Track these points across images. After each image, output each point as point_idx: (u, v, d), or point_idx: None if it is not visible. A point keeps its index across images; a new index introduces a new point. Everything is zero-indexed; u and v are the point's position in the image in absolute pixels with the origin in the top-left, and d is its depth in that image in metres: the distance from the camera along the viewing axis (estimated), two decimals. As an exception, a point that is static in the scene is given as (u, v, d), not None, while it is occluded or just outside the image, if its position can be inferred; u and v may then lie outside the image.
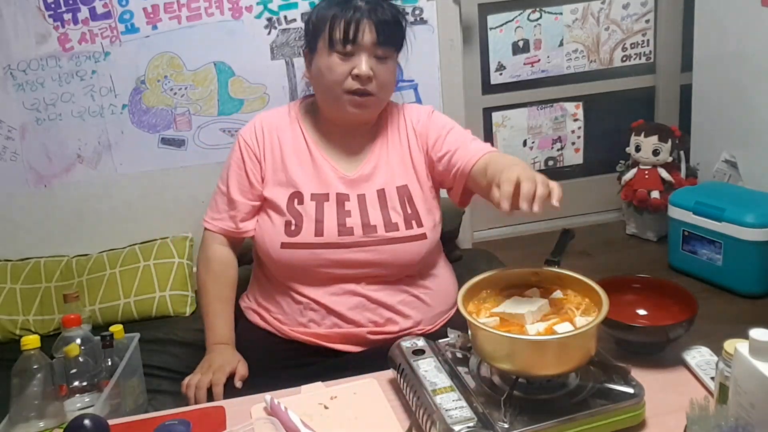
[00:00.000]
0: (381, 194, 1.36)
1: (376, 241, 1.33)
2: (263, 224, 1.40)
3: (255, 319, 1.44)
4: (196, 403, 1.25)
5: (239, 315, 1.48)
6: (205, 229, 1.48)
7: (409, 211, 1.36)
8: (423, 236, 1.36)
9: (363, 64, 1.28)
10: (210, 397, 1.26)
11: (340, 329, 1.33)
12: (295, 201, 1.36)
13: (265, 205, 1.41)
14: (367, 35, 1.28)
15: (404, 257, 1.35)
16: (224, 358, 1.33)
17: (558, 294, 1.07)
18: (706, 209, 2.49)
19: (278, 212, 1.37)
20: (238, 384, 1.28)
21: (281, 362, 1.35)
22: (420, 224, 1.36)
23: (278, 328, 1.39)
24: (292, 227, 1.33)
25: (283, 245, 1.33)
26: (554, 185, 1.06)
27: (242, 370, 1.31)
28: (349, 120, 1.37)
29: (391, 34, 1.31)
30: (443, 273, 1.46)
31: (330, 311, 1.33)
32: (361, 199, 1.35)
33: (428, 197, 1.40)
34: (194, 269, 1.49)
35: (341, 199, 1.35)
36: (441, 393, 0.97)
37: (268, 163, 1.40)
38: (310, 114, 1.45)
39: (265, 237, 1.38)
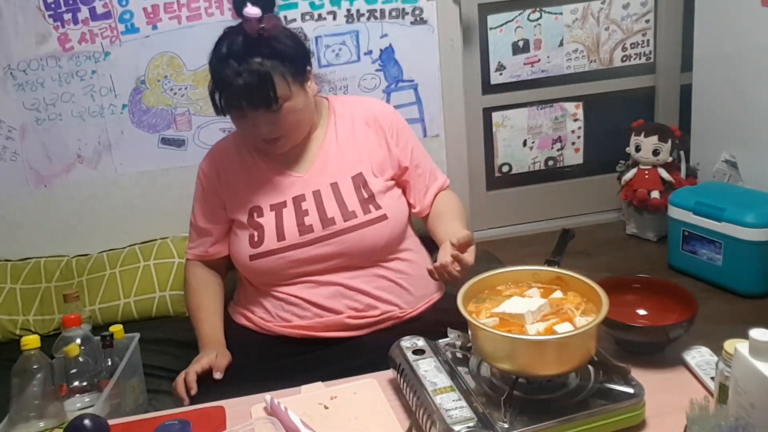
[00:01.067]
0: (335, 187, 1.40)
1: (337, 232, 1.36)
2: (232, 242, 1.47)
3: (242, 321, 1.48)
4: (181, 399, 1.30)
5: (228, 320, 1.52)
6: (186, 260, 1.56)
7: (365, 195, 1.40)
8: (383, 217, 1.39)
9: (261, 127, 1.33)
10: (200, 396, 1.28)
11: (321, 319, 1.37)
12: (255, 215, 1.41)
13: (232, 225, 1.48)
14: (246, 105, 1.30)
15: (368, 242, 1.38)
16: (204, 353, 1.38)
17: (558, 294, 1.07)
18: (706, 209, 2.49)
19: (242, 228, 1.43)
20: (217, 375, 1.31)
21: (275, 358, 1.37)
22: (378, 207, 1.39)
23: (264, 326, 1.42)
24: (255, 239, 1.39)
25: (252, 257, 1.39)
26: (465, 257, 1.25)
27: (220, 362, 1.34)
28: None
29: (261, 98, 1.30)
30: (418, 258, 1.48)
31: (309, 303, 1.37)
32: (317, 195, 1.40)
33: (383, 179, 1.44)
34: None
35: (298, 200, 1.40)
36: (441, 393, 0.97)
37: (225, 189, 1.46)
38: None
39: (235, 253, 1.45)
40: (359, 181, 1.41)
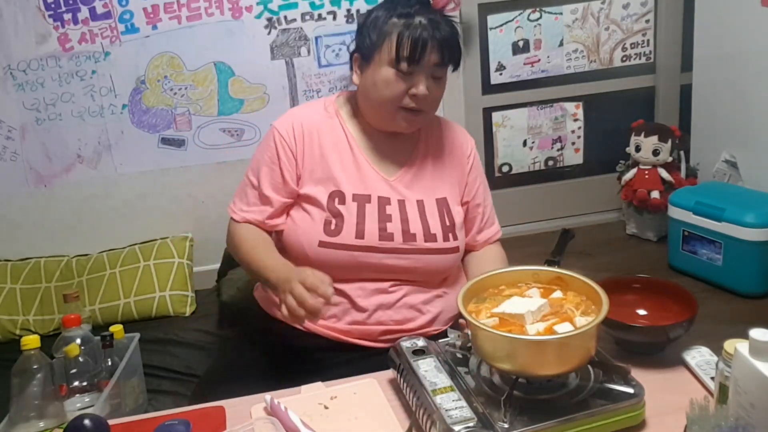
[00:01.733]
0: (420, 204, 1.36)
1: (415, 250, 1.32)
2: (299, 221, 1.35)
3: (271, 309, 1.40)
4: (312, 317, 1.14)
5: (253, 303, 1.46)
6: (232, 219, 1.41)
7: (447, 223, 1.36)
8: (456, 249, 1.37)
9: (422, 85, 1.28)
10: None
11: (359, 326, 1.32)
12: (336, 200, 1.32)
13: (300, 200, 1.37)
14: (431, 56, 1.27)
15: (438, 268, 1.35)
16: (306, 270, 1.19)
17: (558, 294, 1.07)
18: (706, 209, 2.49)
19: (317, 208, 1.33)
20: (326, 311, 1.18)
21: (293, 353, 1.34)
22: (455, 237, 1.36)
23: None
24: (332, 226, 1.31)
25: (321, 244, 1.30)
26: None
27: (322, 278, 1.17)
28: (393, 130, 1.37)
29: (452, 54, 1.31)
30: (459, 279, 1.46)
31: (355, 307, 1.32)
32: (402, 205, 1.34)
33: (460, 211, 1.41)
34: (228, 250, 1.46)
35: (383, 202, 1.33)
36: (441, 393, 0.97)
37: (306, 161, 1.36)
38: (351, 112, 1.42)
39: (300, 234, 1.33)
40: (443, 206, 1.37)
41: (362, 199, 1.33)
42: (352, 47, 1.38)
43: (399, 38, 1.26)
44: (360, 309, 1.32)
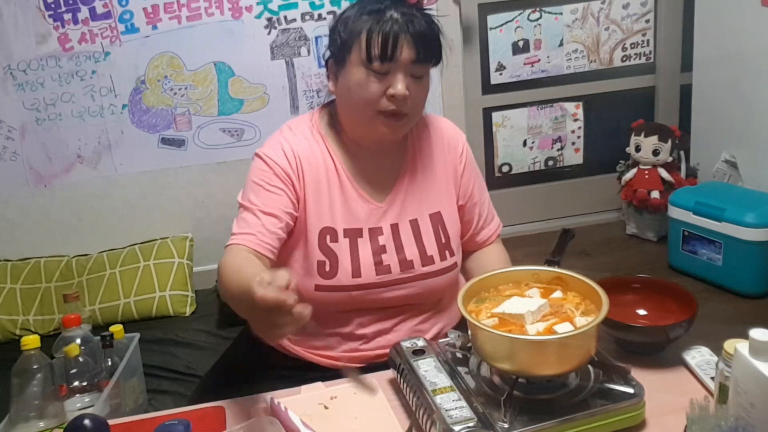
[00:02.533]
0: (414, 224, 1.27)
1: (413, 278, 1.26)
2: (292, 262, 1.25)
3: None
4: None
5: (244, 334, 1.41)
6: (230, 245, 1.19)
7: (443, 240, 1.28)
8: (454, 266, 1.30)
9: (399, 84, 1.16)
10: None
11: (356, 353, 1.28)
12: (328, 237, 1.23)
13: (291, 242, 1.25)
14: (406, 52, 1.16)
15: (437, 290, 1.29)
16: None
17: (558, 294, 1.07)
18: (706, 209, 2.49)
19: (309, 249, 1.23)
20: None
21: (282, 373, 1.29)
22: (452, 253, 1.29)
23: (288, 347, 1.31)
24: (327, 268, 1.22)
25: (318, 288, 1.22)
26: None
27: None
28: (376, 140, 1.25)
29: (429, 50, 1.20)
30: (456, 291, 1.42)
31: (352, 337, 1.27)
32: (395, 230, 1.26)
33: (456, 219, 1.33)
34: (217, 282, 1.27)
35: (374, 233, 1.25)
36: (441, 393, 0.97)
37: (302, 189, 1.24)
38: (333, 131, 1.30)
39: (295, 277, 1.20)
40: (437, 222, 1.29)
41: (353, 234, 1.24)
42: (327, 54, 1.28)
43: (368, 34, 1.16)
44: (357, 338, 1.27)
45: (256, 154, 1.28)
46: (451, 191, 1.33)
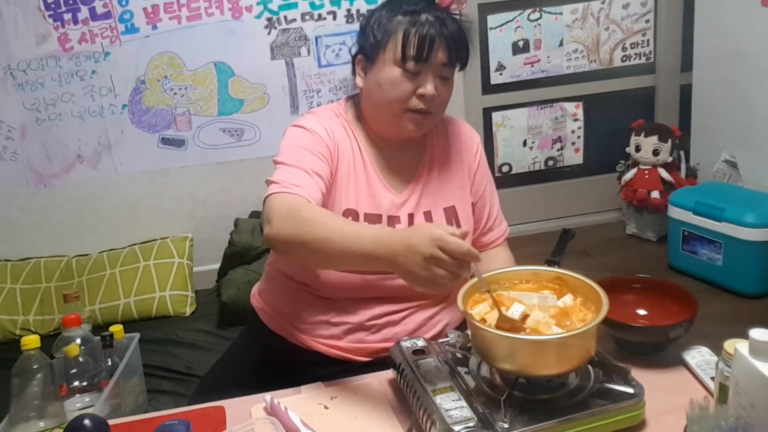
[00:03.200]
0: (428, 216, 1.30)
1: None
2: None
3: (269, 322, 1.37)
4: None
5: (251, 312, 1.43)
6: (284, 193, 1.14)
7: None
8: None
9: (429, 84, 1.21)
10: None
11: (362, 344, 1.28)
12: (350, 218, 1.25)
13: None
14: (439, 55, 1.21)
15: None
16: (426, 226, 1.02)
17: (569, 300, 1.05)
18: (706, 209, 2.49)
19: None
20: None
21: (286, 367, 1.31)
22: None
23: (295, 335, 1.32)
24: None
25: None
26: None
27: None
28: (399, 135, 1.29)
29: (460, 53, 1.24)
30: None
31: (361, 327, 1.28)
32: (411, 220, 1.29)
33: (470, 215, 1.36)
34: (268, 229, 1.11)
35: (392, 222, 1.28)
36: (441, 393, 0.97)
37: (338, 172, 1.26)
38: (359, 123, 1.34)
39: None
40: (451, 215, 1.32)
41: (373, 219, 1.26)
42: (354, 50, 1.31)
43: (405, 35, 1.20)
44: (365, 328, 1.28)
45: (296, 125, 1.28)
46: (466, 188, 1.37)
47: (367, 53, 1.27)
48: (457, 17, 1.28)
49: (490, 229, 1.42)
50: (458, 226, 1.31)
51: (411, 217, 1.29)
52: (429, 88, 1.21)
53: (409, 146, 1.34)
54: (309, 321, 1.29)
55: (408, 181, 1.33)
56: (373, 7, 1.34)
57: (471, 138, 1.41)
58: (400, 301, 1.28)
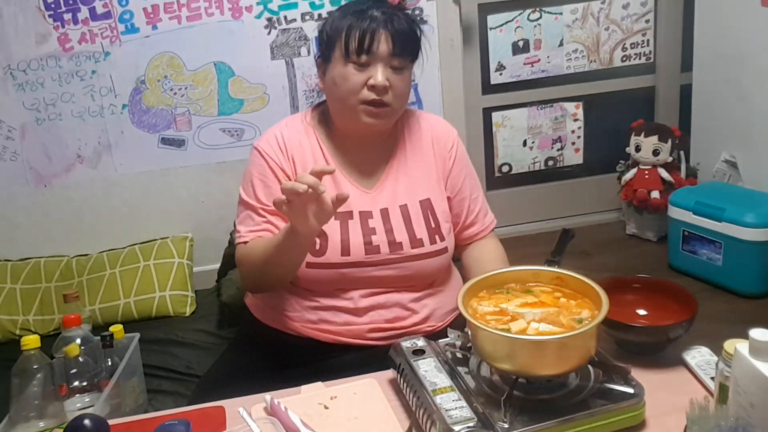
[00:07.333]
0: (404, 210, 1.35)
1: (402, 258, 1.32)
2: None
3: (261, 316, 1.42)
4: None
5: (245, 311, 1.46)
6: (239, 243, 1.36)
7: (433, 225, 1.36)
8: (445, 250, 1.36)
9: (379, 74, 1.27)
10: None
11: (351, 326, 1.33)
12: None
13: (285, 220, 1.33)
14: (383, 45, 1.27)
15: (427, 271, 1.35)
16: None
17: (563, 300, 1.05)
18: (706, 209, 2.49)
19: None
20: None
21: (284, 359, 1.34)
22: (442, 238, 1.36)
23: (287, 324, 1.36)
24: (317, 246, 1.30)
25: (309, 265, 1.30)
26: None
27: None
28: (363, 131, 1.34)
29: (407, 45, 1.30)
30: (452, 275, 1.46)
31: (348, 310, 1.33)
32: (384, 214, 1.34)
33: (446, 208, 1.40)
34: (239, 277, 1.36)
35: (365, 216, 1.33)
36: (441, 393, 0.97)
37: (290, 176, 1.35)
38: (323, 125, 1.41)
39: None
40: (427, 207, 1.37)
41: (344, 216, 1.32)
42: (317, 53, 1.39)
43: (348, 30, 1.27)
44: (351, 312, 1.33)
45: (254, 147, 1.40)
46: (441, 182, 1.41)
47: (323, 54, 1.35)
48: (410, 13, 1.35)
49: (473, 223, 1.46)
50: (434, 218, 1.37)
51: (385, 211, 1.35)
52: (379, 78, 1.26)
53: (376, 143, 1.39)
54: (298, 309, 1.35)
55: (377, 178, 1.38)
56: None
57: (446, 133, 1.45)
58: (378, 286, 1.33)
